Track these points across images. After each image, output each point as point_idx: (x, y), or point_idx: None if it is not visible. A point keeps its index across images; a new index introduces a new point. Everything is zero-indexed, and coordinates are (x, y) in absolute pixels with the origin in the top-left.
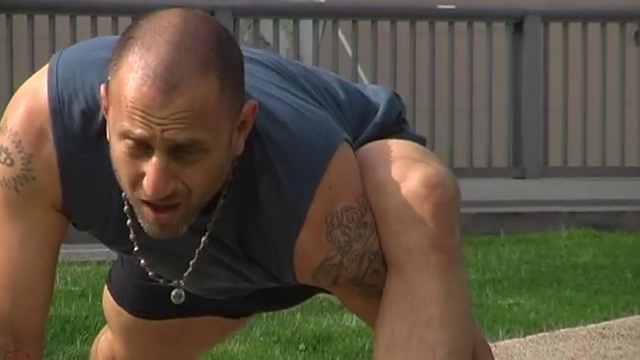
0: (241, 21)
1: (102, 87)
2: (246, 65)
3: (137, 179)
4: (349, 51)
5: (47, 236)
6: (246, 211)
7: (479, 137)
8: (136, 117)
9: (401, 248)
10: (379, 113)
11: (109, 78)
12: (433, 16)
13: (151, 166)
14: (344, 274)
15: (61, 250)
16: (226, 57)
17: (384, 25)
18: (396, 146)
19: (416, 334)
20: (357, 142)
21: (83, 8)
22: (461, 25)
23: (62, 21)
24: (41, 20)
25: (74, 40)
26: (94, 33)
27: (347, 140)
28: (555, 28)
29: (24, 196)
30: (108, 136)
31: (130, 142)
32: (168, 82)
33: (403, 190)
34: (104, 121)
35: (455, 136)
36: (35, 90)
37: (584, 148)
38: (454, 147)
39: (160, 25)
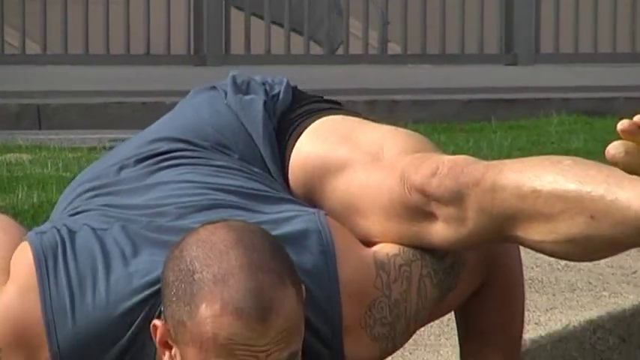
0: None
1: (158, 324)
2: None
3: None
4: None
5: None
6: None
7: (471, 24)
8: (238, 352)
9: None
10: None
11: (180, 318)
12: None
13: None
14: (397, 347)
15: (52, 136)
16: (285, 258)
17: None
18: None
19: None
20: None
21: None
22: None
23: None
24: None
25: None
26: None
27: (319, 217)
28: None
29: None
30: None
31: None
32: (262, 309)
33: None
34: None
35: (447, 23)
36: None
37: (576, 35)
38: (446, 34)
39: (219, 251)
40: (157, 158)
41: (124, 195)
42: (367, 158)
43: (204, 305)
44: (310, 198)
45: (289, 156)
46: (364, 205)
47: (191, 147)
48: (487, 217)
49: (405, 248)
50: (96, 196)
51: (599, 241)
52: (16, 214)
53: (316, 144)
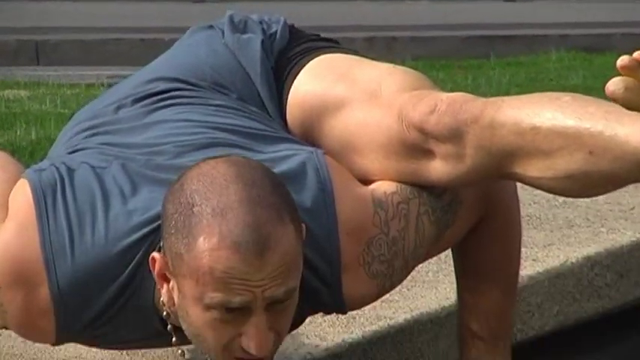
0: None
1: (157, 256)
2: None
3: (231, 340)
4: None
5: None
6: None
7: None
8: (234, 286)
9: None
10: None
11: (178, 250)
12: None
13: (253, 327)
14: (395, 284)
15: (51, 73)
16: (285, 195)
17: None
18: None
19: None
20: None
21: None
22: None
23: None
24: None
25: None
26: None
27: (317, 155)
28: None
29: None
30: (170, 303)
31: (224, 310)
32: (260, 244)
33: None
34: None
35: None
36: (35, 292)
37: None
38: None
39: (219, 185)
40: (154, 98)
41: (122, 134)
42: (365, 96)
43: (202, 238)
44: (308, 137)
45: (287, 95)
46: (362, 144)
47: (189, 86)
48: (485, 154)
49: (403, 186)
50: (94, 135)
51: (598, 177)
52: (14, 150)
53: (314, 82)
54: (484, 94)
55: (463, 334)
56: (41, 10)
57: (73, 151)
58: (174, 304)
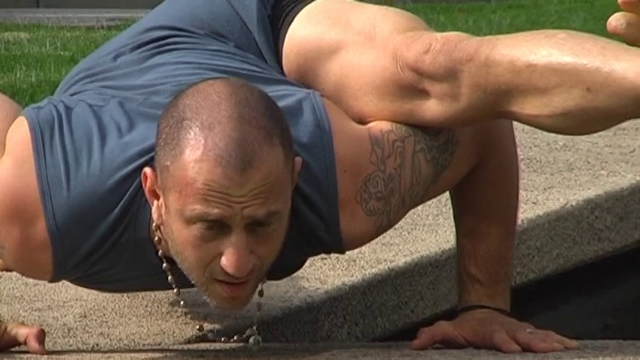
0: None
1: (147, 172)
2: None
3: (210, 260)
4: None
5: None
6: (292, 240)
7: None
8: (213, 199)
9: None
10: None
11: (165, 162)
12: None
13: (231, 246)
14: (392, 223)
15: (50, 15)
16: (279, 120)
17: None
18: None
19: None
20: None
21: None
22: None
23: None
24: None
25: None
26: None
27: (314, 95)
28: None
29: None
30: (159, 221)
31: (204, 224)
32: (243, 160)
33: None
34: (111, 227)
35: None
36: (32, 224)
37: None
38: None
39: (212, 101)
40: (152, 44)
41: (120, 78)
42: (359, 38)
43: (187, 150)
44: (304, 82)
45: (282, 42)
46: (357, 85)
47: (187, 33)
48: (481, 92)
49: (399, 125)
50: (92, 81)
51: (595, 113)
52: (14, 92)
53: (308, 28)
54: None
55: (462, 278)
56: None
57: (74, 93)
58: (162, 223)
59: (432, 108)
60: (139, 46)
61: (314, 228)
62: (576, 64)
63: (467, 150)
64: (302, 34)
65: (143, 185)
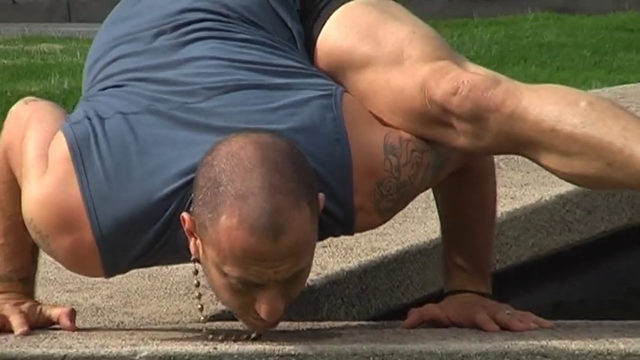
0: None
1: (186, 217)
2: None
3: (247, 305)
4: None
5: None
6: None
7: None
8: (250, 266)
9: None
10: None
11: (203, 221)
12: None
13: (265, 299)
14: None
15: (81, 29)
16: (304, 178)
17: None
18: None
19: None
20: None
21: None
22: None
23: None
24: None
25: None
26: None
27: (336, 99)
28: None
29: None
30: (196, 251)
31: (240, 283)
32: (275, 229)
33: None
34: (158, 234)
35: None
36: (80, 236)
37: None
38: None
39: (244, 168)
40: (187, 28)
41: (156, 70)
42: (389, 59)
43: (224, 217)
44: (332, 80)
45: (316, 37)
46: (384, 104)
47: (220, 17)
48: (504, 138)
49: (417, 137)
50: (129, 70)
51: (610, 183)
52: (48, 98)
53: (341, 35)
54: (468, 50)
55: (447, 266)
56: None
57: (105, 88)
58: (199, 258)
59: (454, 139)
60: (175, 28)
61: (330, 228)
62: (600, 141)
63: (453, 166)
64: (334, 39)
65: (182, 225)
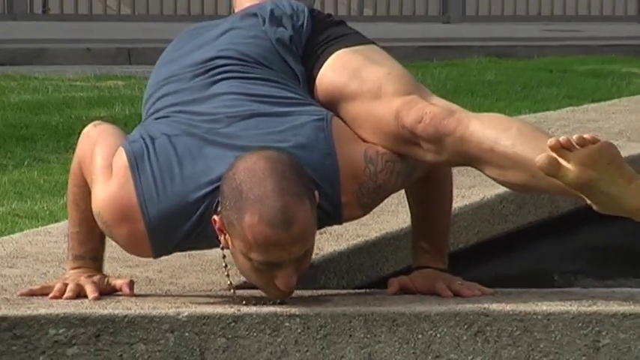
0: None
1: (216, 219)
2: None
3: (269, 281)
4: None
5: None
6: None
7: None
8: (270, 251)
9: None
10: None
11: (231, 220)
12: None
13: (283, 276)
14: (373, 209)
15: (139, 69)
16: (304, 181)
17: None
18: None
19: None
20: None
21: None
22: None
23: None
24: None
25: None
26: None
27: (326, 124)
28: None
29: None
30: (226, 244)
31: (262, 264)
32: (287, 223)
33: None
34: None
35: None
36: (135, 234)
37: (490, 1)
38: (403, 1)
39: (259, 178)
40: (215, 70)
41: (191, 104)
42: (371, 94)
43: (247, 216)
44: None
45: (316, 75)
46: (368, 129)
47: (240, 62)
48: (457, 155)
49: (390, 151)
50: (172, 104)
51: (535, 189)
52: (113, 121)
53: (334, 76)
54: (429, 85)
55: (414, 248)
56: (132, 27)
57: (157, 118)
58: (228, 247)
59: (421, 155)
60: (206, 71)
61: (324, 220)
62: (526, 157)
63: (419, 174)
64: (329, 78)
65: (213, 225)
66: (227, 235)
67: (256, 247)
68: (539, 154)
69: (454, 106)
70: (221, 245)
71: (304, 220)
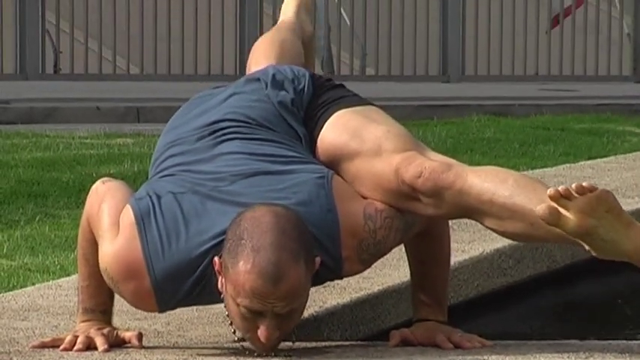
0: None
1: (217, 260)
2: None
3: (252, 328)
4: None
5: None
6: None
7: (420, 55)
8: (255, 300)
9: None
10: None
11: (228, 264)
12: None
13: (264, 326)
14: (373, 263)
15: (147, 127)
16: (305, 241)
17: None
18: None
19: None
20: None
21: None
22: None
23: None
24: None
25: None
26: None
27: (327, 182)
28: None
29: None
30: (221, 289)
31: (247, 310)
32: (276, 277)
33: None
34: (200, 277)
35: (405, 54)
36: (140, 290)
37: (488, 62)
38: (404, 61)
39: (261, 229)
40: (220, 132)
41: (196, 164)
42: (370, 152)
43: (241, 262)
44: (328, 167)
45: (317, 136)
46: (369, 185)
47: (243, 124)
48: (456, 208)
49: (389, 207)
50: (176, 165)
51: (534, 238)
52: (122, 178)
53: (335, 136)
54: (429, 142)
55: (415, 301)
56: (140, 87)
57: (163, 175)
58: (222, 293)
59: (421, 209)
60: (212, 132)
61: (325, 275)
62: (524, 208)
63: (417, 228)
64: (330, 138)
65: (213, 267)
66: (223, 278)
67: (243, 293)
68: (536, 203)
69: (452, 161)
70: (222, 295)
71: (294, 280)
